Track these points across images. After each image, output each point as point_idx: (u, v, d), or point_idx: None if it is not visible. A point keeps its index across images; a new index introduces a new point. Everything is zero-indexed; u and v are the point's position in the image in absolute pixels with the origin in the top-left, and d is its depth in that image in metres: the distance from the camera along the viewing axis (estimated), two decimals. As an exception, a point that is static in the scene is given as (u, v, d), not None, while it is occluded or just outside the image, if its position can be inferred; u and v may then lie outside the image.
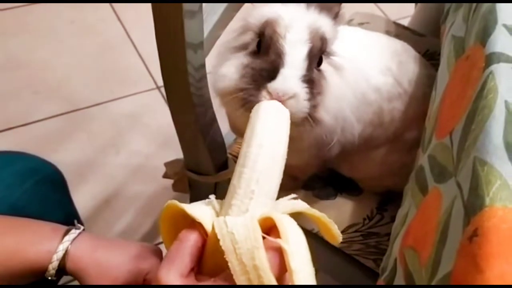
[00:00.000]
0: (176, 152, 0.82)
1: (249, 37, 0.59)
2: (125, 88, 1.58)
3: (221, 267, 0.42)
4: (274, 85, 0.54)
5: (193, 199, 0.92)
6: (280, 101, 0.53)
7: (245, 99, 0.55)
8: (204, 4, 0.59)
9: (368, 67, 0.70)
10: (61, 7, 1.78)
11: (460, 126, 0.46)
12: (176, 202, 0.47)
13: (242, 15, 0.63)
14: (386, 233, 0.78)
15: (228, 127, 0.94)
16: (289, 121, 0.51)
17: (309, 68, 0.56)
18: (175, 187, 0.86)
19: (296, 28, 0.56)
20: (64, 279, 0.61)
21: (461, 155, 0.43)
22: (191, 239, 0.44)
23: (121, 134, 1.48)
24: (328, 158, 0.73)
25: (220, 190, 0.85)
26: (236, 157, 0.87)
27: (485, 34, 0.49)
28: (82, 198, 1.30)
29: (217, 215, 0.48)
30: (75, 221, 0.62)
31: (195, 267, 0.45)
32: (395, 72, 0.72)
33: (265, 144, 0.47)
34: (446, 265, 0.38)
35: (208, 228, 0.45)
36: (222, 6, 0.66)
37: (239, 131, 0.56)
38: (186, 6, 0.54)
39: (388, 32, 1.00)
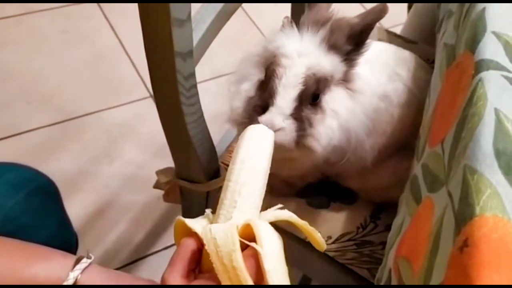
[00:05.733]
0: (169, 161, 0.81)
1: (264, 60, 0.66)
2: (119, 97, 1.57)
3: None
4: (262, 119, 0.61)
5: (185, 209, 0.91)
6: None
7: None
8: (193, 13, 0.59)
9: (376, 76, 0.70)
10: (54, 17, 1.78)
11: (451, 134, 0.46)
12: (181, 217, 0.53)
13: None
14: (380, 242, 0.77)
15: (220, 136, 0.94)
16: (272, 143, 0.57)
17: (299, 108, 0.62)
18: (166, 197, 0.85)
19: (295, 69, 0.62)
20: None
21: (452, 164, 0.43)
22: (188, 244, 0.50)
23: (115, 143, 1.47)
24: (336, 172, 0.74)
25: (212, 200, 0.84)
26: (227, 165, 0.86)
27: (474, 41, 0.49)
28: (75, 208, 1.28)
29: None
30: (88, 253, 0.61)
31: (196, 267, 0.51)
32: (405, 78, 0.72)
33: (247, 160, 0.53)
34: (438, 276, 0.38)
35: (201, 235, 0.50)
36: (212, 14, 0.66)
37: None
38: (174, 14, 0.54)
39: (380, 40, 1.00)
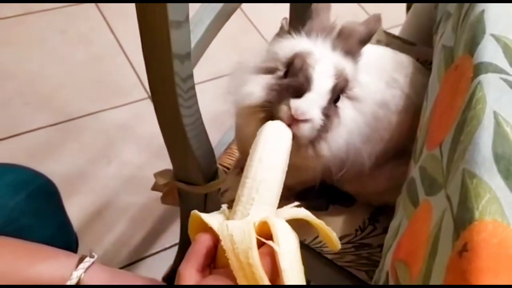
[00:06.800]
0: (167, 162, 0.81)
1: (274, 64, 0.62)
2: (117, 98, 1.57)
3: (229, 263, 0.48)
4: (297, 103, 0.56)
5: (183, 211, 0.91)
6: (293, 120, 0.56)
7: (265, 118, 0.58)
8: (191, 15, 0.58)
9: (375, 83, 0.69)
10: (52, 17, 1.77)
11: (449, 137, 0.45)
12: (197, 212, 0.53)
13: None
14: (378, 244, 0.77)
15: (218, 138, 0.93)
16: (290, 140, 0.56)
17: (330, 102, 0.58)
18: (164, 199, 0.85)
19: (324, 64, 0.59)
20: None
21: (451, 167, 0.42)
22: (203, 240, 0.50)
23: (113, 144, 1.46)
24: (333, 179, 0.73)
25: (210, 202, 0.84)
26: (226, 167, 0.86)
27: (473, 44, 0.49)
28: (73, 209, 1.27)
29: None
30: (91, 252, 0.62)
31: (211, 262, 0.51)
32: (402, 84, 0.72)
33: (265, 157, 0.53)
34: (436, 280, 0.38)
35: (217, 231, 0.51)
36: (210, 16, 0.66)
37: (247, 149, 0.60)
38: (172, 16, 0.53)
39: (378, 41, 1.00)
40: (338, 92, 0.60)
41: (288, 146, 0.55)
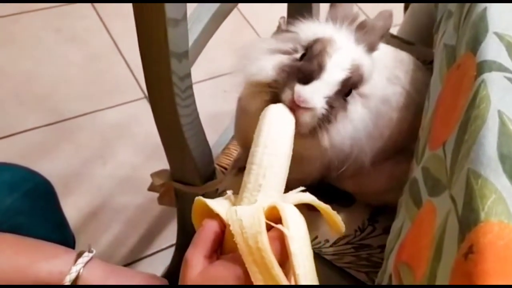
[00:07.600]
0: (164, 163, 0.80)
1: (292, 45, 0.61)
2: (113, 98, 1.56)
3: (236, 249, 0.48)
4: (301, 89, 0.55)
5: (180, 212, 0.90)
6: (295, 106, 0.55)
7: (270, 100, 0.57)
8: (189, 13, 0.58)
9: (378, 79, 0.68)
10: (47, 16, 1.76)
11: (453, 137, 0.45)
12: (201, 198, 0.53)
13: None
14: (378, 245, 0.76)
15: (216, 138, 0.92)
16: (293, 124, 0.55)
17: (337, 94, 0.57)
18: (160, 200, 0.84)
19: (342, 55, 0.58)
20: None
21: (455, 167, 0.42)
22: (210, 226, 0.50)
23: (109, 144, 1.45)
24: (333, 175, 0.72)
25: (208, 203, 0.83)
26: (223, 168, 0.85)
27: (476, 42, 0.48)
28: (68, 210, 1.24)
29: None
30: (89, 247, 0.62)
31: (218, 248, 0.51)
32: (403, 81, 0.71)
33: (269, 142, 0.52)
34: (441, 283, 0.37)
35: (224, 217, 0.51)
36: (208, 14, 0.65)
37: (247, 137, 0.58)
38: (170, 14, 0.52)
39: (377, 40, 0.99)
40: (350, 86, 0.59)
41: (292, 130, 0.55)
